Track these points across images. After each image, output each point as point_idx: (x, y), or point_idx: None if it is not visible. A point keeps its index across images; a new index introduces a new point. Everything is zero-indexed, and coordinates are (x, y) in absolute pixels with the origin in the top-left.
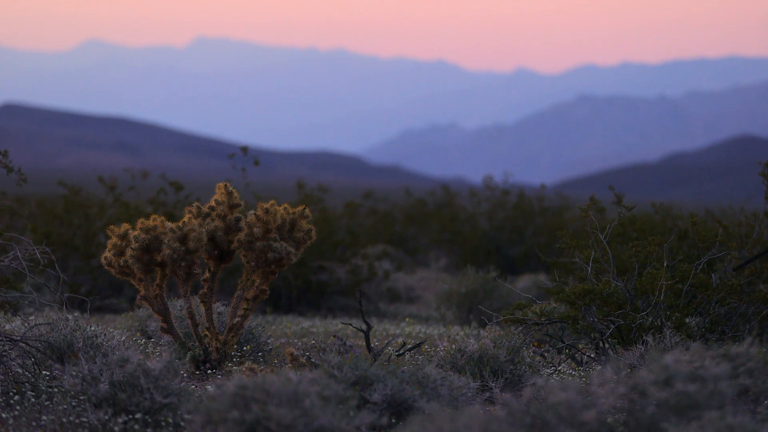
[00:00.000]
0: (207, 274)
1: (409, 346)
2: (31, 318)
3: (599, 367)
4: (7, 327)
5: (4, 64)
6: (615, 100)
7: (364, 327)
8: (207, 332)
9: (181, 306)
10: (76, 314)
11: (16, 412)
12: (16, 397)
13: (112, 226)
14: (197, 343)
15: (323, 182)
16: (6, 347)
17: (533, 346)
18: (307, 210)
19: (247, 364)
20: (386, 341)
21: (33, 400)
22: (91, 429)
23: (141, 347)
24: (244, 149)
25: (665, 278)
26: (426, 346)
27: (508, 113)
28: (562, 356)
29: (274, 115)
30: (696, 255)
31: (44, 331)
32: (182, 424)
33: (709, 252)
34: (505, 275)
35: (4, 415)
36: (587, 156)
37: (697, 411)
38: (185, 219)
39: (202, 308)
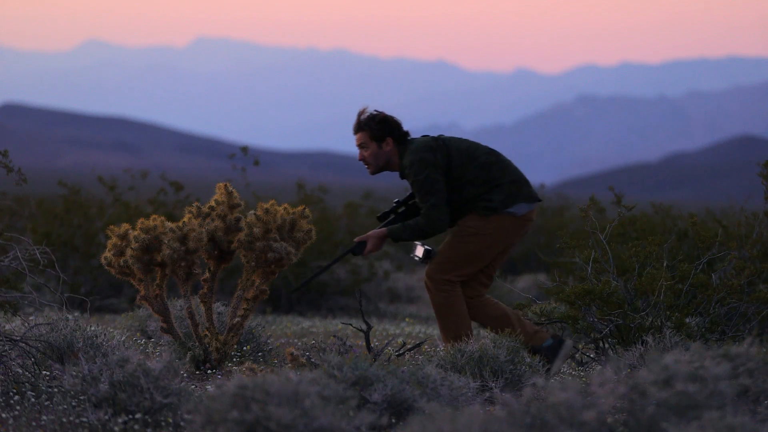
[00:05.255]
0: (207, 274)
1: (409, 346)
2: (31, 318)
3: (599, 367)
4: (7, 327)
5: (4, 64)
6: (615, 100)
7: (364, 327)
8: (207, 332)
9: (181, 306)
10: (76, 314)
11: (16, 412)
12: (16, 397)
13: (112, 226)
14: (197, 343)
15: (323, 182)
16: (6, 347)
17: None
18: (307, 210)
19: (247, 364)
20: (386, 341)
21: (33, 400)
22: (91, 429)
23: (141, 347)
24: (244, 149)
25: (665, 278)
26: (426, 346)
27: (508, 113)
28: None
29: (274, 115)
30: (696, 255)
31: (44, 331)
32: (182, 424)
33: (709, 252)
34: (505, 275)
35: (4, 415)
36: (587, 156)
37: (697, 411)
38: (185, 219)
39: (202, 308)
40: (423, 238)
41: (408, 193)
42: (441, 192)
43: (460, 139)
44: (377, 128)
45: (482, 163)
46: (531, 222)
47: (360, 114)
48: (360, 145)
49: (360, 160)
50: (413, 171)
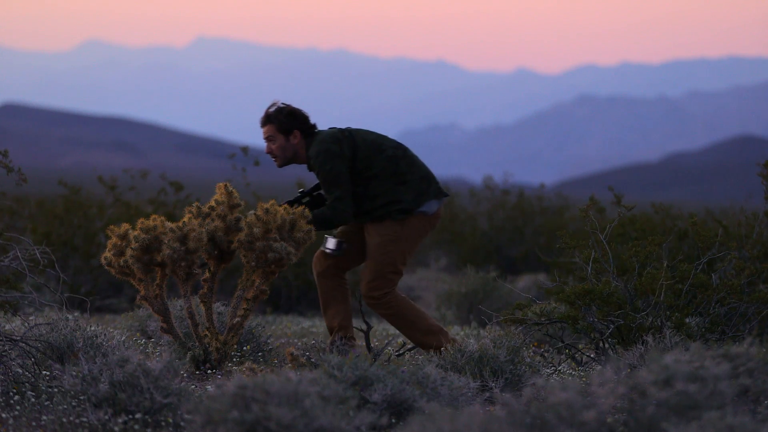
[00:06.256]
0: (207, 274)
1: (409, 346)
2: (31, 318)
3: (599, 367)
4: (7, 327)
5: (4, 64)
6: (615, 100)
7: (364, 327)
8: (207, 332)
9: (181, 306)
10: (76, 314)
11: (16, 412)
12: (16, 397)
13: (112, 226)
14: (197, 343)
15: None
16: (6, 347)
17: (533, 346)
18: (307, 210)
19: (247, 364)
20: (386, 341)
21: (33, 400)
22: (91, 429)
23: (141, 347)
24: (244, 149)
25: (665, 278)
26: None
27: (508, 113)
28: (562, 356)
29: None
30: (696, 255)
31: (44, 331)
32: (182, 424)
33: (709, 252)
34: (505, 275)
35: (4, 415)
36: (587, 156)
37: (697, 411)
38: (185, 219)
39: (202, 308)
40: (327, 228)
41: (314, 183)
42: (346, 184)
43: (367, 131)
44: (285, 121)
45: (389, 157)
46: (440, 219)
47: (269, 107)
48: (267, 138)
49: (267, 153)
50: (318, 162)
